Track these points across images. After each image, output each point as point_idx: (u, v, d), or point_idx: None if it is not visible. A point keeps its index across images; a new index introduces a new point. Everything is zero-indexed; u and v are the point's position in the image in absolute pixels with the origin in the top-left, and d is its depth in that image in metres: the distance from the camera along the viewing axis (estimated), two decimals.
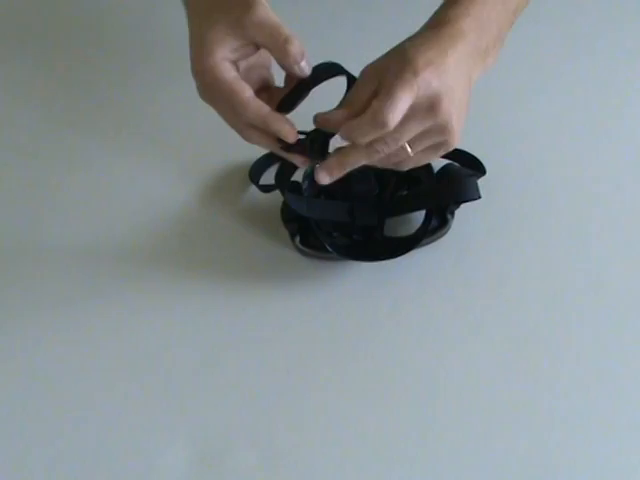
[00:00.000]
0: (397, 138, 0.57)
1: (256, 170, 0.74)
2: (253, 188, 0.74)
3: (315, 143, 0.60)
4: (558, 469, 0.60)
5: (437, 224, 0.69)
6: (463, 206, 0.70)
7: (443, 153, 0.62)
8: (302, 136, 0.60)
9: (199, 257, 0.71)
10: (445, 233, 0.70)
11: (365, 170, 0.71)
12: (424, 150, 0.60)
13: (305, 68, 0.59)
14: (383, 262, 0.68)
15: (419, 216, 0.70)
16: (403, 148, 0.58)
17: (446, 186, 0.70)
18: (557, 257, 0.71)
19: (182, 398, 0.63)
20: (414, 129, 0.57)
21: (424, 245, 0.70)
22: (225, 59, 0.58)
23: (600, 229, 0.73)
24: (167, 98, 0.81)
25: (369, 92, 0.57)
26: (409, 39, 0.60)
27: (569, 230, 0.72)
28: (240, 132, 0.61)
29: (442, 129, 0.58)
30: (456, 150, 0.73)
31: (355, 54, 0.83)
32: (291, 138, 0.58)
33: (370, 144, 0.57)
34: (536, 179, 0.76)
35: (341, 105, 0.59)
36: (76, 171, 0.78)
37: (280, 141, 0.59)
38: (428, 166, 0.71)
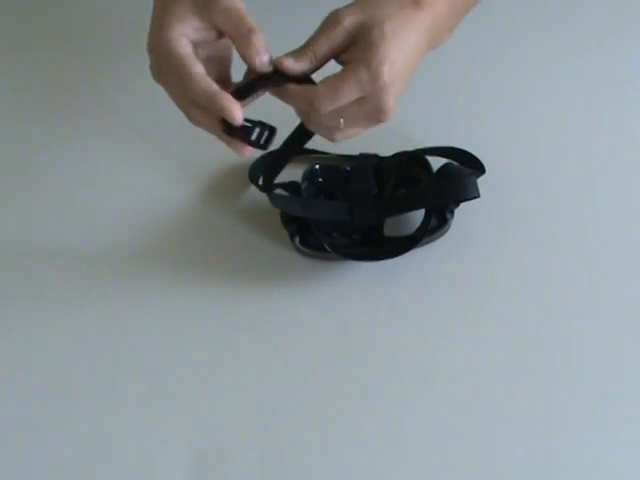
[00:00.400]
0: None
1: (256, 170, 0.74)
2: (253, 188, 0.74)
3: (263, 131, 0.58)
4: (558, 468, 0.60)
5: (437, 223, 0.69)
6: (463, 205, 0.70)
7: (374, 116, 0.60)
8: (248, 124, 0.58)
9: (199, 257, 0.71)
10: (445, 232, 0.70)
11: (364, 170, 0.71)
12: (356, 120, 0.60)
13: (265, 62, 0.57)
14: (383, 262, 0.68)
15: (419, 216, 0.70)
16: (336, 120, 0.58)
17: (445, 185, 0.70)
18: (557, 256, 0.71)
19: (182, 398, 0.63)
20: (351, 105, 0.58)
21: (424, 245, 0.69)
22: (183, 35, 0.56)
23: (600, 228, 0.73)
24: (167, 98, 0.81)
25: (335, 47, 0.57)
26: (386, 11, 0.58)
27: (569, 229, 0.72)
28: (185, 111, 0.59)
29: (378, 106, 0.58)
30: (455, 149, 0.74)
31: None
32: (237, 117, 0.55)
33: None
34: (536, 178, 0.76)
35: (305, 47, 0.58)
36: (75, 171, 0.78)
37: (224, 123, 0.57)
38: (427, 165, 0.71)
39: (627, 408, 0.63)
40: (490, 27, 0.87)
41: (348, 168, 0.72)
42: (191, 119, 0.59)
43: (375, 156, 0.73)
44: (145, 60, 0.84)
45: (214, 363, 0.65)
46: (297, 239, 0.69)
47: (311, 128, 0.62)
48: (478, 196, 0.67)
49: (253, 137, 0.58)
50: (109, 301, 0.69)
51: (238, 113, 0.56)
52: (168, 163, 0.77)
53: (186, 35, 0.56)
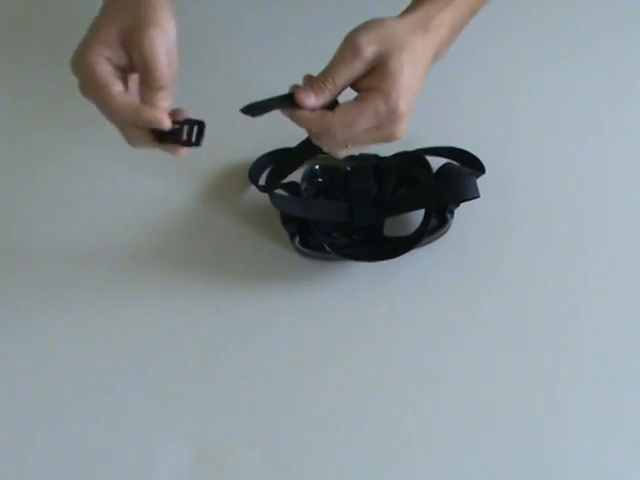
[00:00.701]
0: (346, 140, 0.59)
1: (256, 170, 0.74)
2: (253, 188, 0.74)
3: (192, 129, 0.58)
4: (557, 468, 0.60)
5: (437, 223, 0.69)
6: (463, 205, 0.70)
7: (383, 141, 0.61)
8: (176, 125, 0.58)
9: (199, 257, 0.71)
10: (445, 232, 0.70)
11: (364, 170, 0.71)
12: (366, 142, 0.61)
13: (166, 125, 0.57)
14: (383, 262, 0.68)
15: (419, 216, 0.70)
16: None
17: (445, 185, 0.70)
18: (557, 256, 0.71)
19: (182, 398, 0.63)
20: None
21: (424, 245, 0.70)
22: (104, 57, 0.56)
23: (599, 228, 0.73)
24: None
25: (355, 78, 0.58)
26: (399, 36, 0.58)
27: (568, 229, 0.72)
28: (120, 130, 0.59)
29: (392, 133, 0.59)
30: (455, 149, 0.74)
31: None
32: (165, 123, 0.56)
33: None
34: (535, 178, 0.76)
35: (326, 79, 0.58)
36: (76, 171, 0.78)
37: (154, 132, 0.57)
38: (427, 165, 0.71)
39: (627, 407, 0.63)
40: (490, 28, 0.86)
41: (348, 168, 0.72)
42: (127, 138, 0.60)
43: (375, 156, 0.73)
44: None
45: (214, 363, 0.65)
46: (297, 239, 0.69)
47: (319, 145, 0.62)
48: (478, 196, 0.67)
49: (184, 137, 0.58)
50: (109, 301, 0.69)
51: (164, 119, 0.56)
52: (168, 163, 0.77)
53: (109, 58, 0.57)
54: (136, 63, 0.56)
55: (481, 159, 0.73)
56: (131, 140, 0.59)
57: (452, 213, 0.69)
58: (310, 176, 0.71)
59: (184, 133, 0.58)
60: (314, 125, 0.59)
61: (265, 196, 0.71)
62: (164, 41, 0.56)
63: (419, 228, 0.69)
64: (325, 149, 0.62)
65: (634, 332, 0.66)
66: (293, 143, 0.75)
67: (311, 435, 0.62)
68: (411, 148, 0.73)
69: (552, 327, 0.67)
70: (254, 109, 0.58)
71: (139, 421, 0.62)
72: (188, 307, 0.68)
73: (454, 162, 0.73)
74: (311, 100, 0.58)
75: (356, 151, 0.63)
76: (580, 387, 0.63)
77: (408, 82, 0.57)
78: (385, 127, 0.58)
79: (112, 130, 0.80)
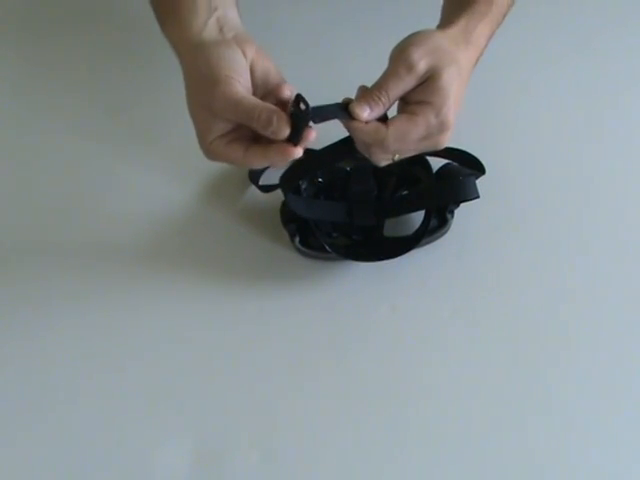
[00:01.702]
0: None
1: (256, 170, 0.74)
2: (253, 188, 0.74)
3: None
4: (557, 468, 0.60)
5: (437, 224, 0.69)
6: (463, 206, 0.70)
7: (429, 150, 0.63)
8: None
9: (199, 257, 0.71)
10: (445, 233, 0.70)
11: (364, 171, 0.71)
12: (412, 151, 0.62)
13: (277, 131, 0.57)
14: (383, 262, 0.68)
15: (419, 216, 0.70)
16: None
17: (445, 186, 0.70)
18: (557, 256, 0.71)
19: (182, 398, 0.63)
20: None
21: (424, 245, 0.70)
22: (215, 138, 0.58)
23: (600, 228, 0.73)
24: (167, 98, 0.81)
25: (407, 91, 0.59)
26: (448, 46, 0.60)
27: (569, 229, 0.72)
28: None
29: (438, 142, 0.61)
30: (455, 150, 0.74)
31: (356, 55, 0.83)
32: (297, 152, 0.57)
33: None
34: (536, 179, 0.76)
35: (380, 93, 0.59)
36: (76, 171, 0.78)
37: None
38: (427, 166, 0.71)
39: (626, 407, 0.63)
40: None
41: (348, 168, 0.72)
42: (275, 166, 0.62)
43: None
44: (146, 58, 0.85)
45: (214, 363, 0.65)
46: (297, 239, 0.69)
47: (365, 154, 0.62)
48: (478, 197, 0.68)
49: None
50: (109, 300, 0.69)
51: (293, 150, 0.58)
52: (168, 163, 0.77)
53: (219, 136, 0.58)
54: (232, 118, 0.57)
55: (481, 160, 0.73)
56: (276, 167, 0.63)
57: (452, 213, 0.69)
58: (311, 176, 0.71)
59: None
60: (369, 137, 0.59)
61: (265, 196, 0.72)
62: (235, 83, 0.57)
63: (419, 228, 0.69)
64: (371, 158, 0.62)
65: (634, 332, 0.66)
66: None
67: (311, 435, 0.62)
68: None
69: (552, 327, 0.67)
70: (315, 116, 0.58)
71: (139, 421, 0.62)
72: (188, 307, 0.68)
73: (454, 163, 0.73)
74: (366, 113, 0.58)
75: (398, 159, 0.63)
76: (580, 387, 0.63)
77: (457, 95, 0.60)
78: (433, 137, 0.60)
79: (112, 131, 0.81)
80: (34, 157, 0.79)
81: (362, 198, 0.70)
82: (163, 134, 0.79)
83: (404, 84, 0.58)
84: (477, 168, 0.73)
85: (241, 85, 0.57)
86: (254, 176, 0.74)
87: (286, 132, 0.56)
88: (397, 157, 0.62)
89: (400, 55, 0.59)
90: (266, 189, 0.73)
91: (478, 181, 0.69)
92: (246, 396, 0.63)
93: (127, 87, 0.84)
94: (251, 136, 0.58)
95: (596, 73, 0.85)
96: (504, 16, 0.68)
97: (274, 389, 0.64)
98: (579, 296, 0.69)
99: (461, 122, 0.79)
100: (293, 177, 0.69)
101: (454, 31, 0.62)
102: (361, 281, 0.69)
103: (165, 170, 0.77)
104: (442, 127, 0.59)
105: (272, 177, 0.72)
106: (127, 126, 0.80)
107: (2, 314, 0.68)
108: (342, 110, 0.59)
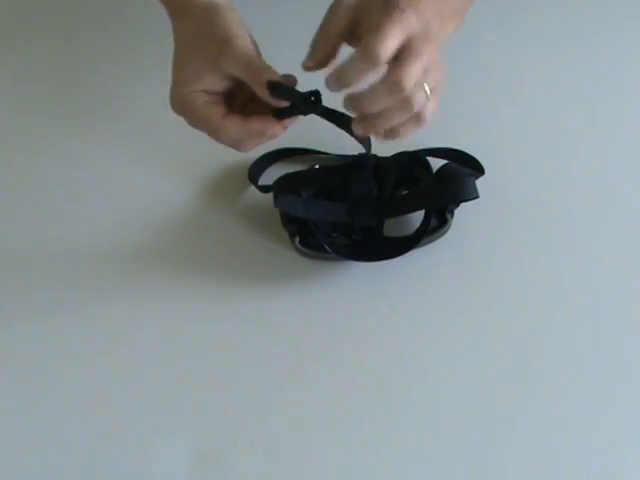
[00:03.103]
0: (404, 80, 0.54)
1: (255, 170, 0.74)
2: (252, 188, 0.74)
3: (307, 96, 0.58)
4: (556, 468, 0.60)
5: (437, 224, 0.69)
6: (462, 206, 0.70)
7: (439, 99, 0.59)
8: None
9: (198, 257, 0.71)
10: (445, 233, 0.70)
11: (364, 171, 0.71)
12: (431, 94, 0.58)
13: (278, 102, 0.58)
14: (383, 262, 0.68)
15: (419, 216, 0.70)
16: (418, 90, 0.56)
17: (444, 186, 0.70)
18: (557, 256, 0.71)
19: (182, 398, 0.63)
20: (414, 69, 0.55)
21: (424, 245, 0.69)
22: (194, 91, 0.58)
23: (599, 229, 0.73)
24: (167, 97, 0.81)
25: (342, 28, 0.58)
26: None
27: (569, 229, 0.72)
28: (234, 148, 0.62)
29: (434, 65, 0.57)
30: (455, 150, 0.74)
31: None
32: (277, 129, 0.58)
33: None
34: (535, 179, 0.76)
35: (313, 44, 0.59)
36: (75, 171, 0.78)
37: (274, 112, 0.59)
38: (427, 165, 0.71)
39: (626, 406, 0.63)
40: (489, 28, 0.87)
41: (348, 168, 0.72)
42: (243, 149, 0.62)
43: (374, 156, 0.73)
44: (146, 58, 0.85)
45: (214, 363, 0.65)
46: (297, 239, 0.69)
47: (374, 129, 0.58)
48: (477, 196, 0.68)
49: (301, 103, 0.58)
50: (108, 301, 0.69)
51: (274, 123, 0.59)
52: (168, 163, 0.77)
53: (204, 90, 0.59)
54: (235, 72, 0.57)
55: (481, 160, 0.73)
56: (246, 149, 0.62)
57: (452, 213, 0.69)
58: (310, 175, 0.71)
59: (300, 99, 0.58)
60: (389, 97, 0.55)
61: (265, 196, 0.72)
62: (248, 44, 0.58)
63: (419, 228, 0.69)
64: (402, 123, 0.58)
65: (635, 332, 0.66)
66: (293, 143, 0.75)
67: (311, 435, 0.61)
68: (410, 149, 0.73)
69: (552, 327, 0.67)
70: (320, 113, 0.59)
71: (139, 420, 0.62)
72: (188, 307, 0.68)
73: (453, 163, 0.73)
74: (310, 64, 0.58)
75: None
76: (580, 387, 0.63)
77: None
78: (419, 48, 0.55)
79: (112, 130, 0.81)
80: (32, 157, 0.79)
81: (362, 198, 0.70)
82: (162, 134, 0.79)
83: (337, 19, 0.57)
84: (476, 168, 0.73)
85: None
86: (253, 176, 0.74)
87: (283, 103, 0.57)
88: (427, 86, 0.57)
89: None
90: (265, 189, 0.73)
91: (478, 181, 0.69)
92: (246, 396, 0.63)
93: (126, 87, 0.83)
94: (228, 108, 0.59)
95: (596, 73, 0.85)
96: None
97: (274, 389, 0.64)
98: (579, 296, 0.68)
99: (461, 122, 0.80)
100: (287, 186, 0.70)
101: None
102: (361, 281, 0.69)
103: (164, 170, 0.77)
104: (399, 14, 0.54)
105: (271, 177, 0.72)
106: (126, 125, 0.80)
107: (1, 315, 0.68)
108: (345, 124, 0.59)
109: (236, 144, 0.62)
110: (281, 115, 0.60)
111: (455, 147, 0.74)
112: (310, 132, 0.73)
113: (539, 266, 0.70)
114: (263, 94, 0.58)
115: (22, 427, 0.62)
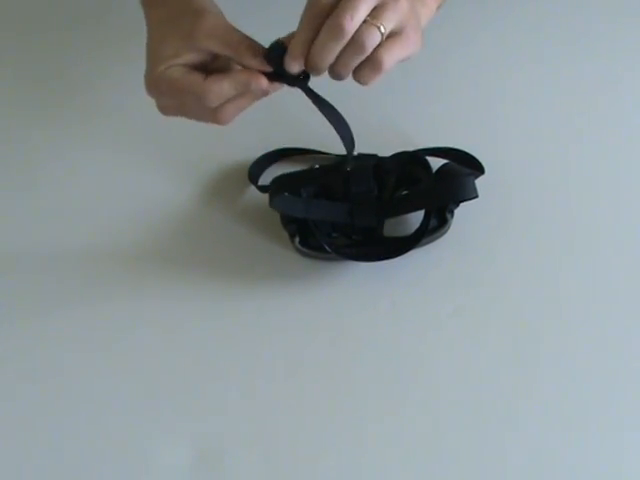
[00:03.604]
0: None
1: (255, 170, 0.75)
2: (253, 188, 0.74)
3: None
4: (556, 468, 0.60)
5: (436, 224, 0.69)
6: (462, 206, 0.70)
7: (408, 50, 0.57)
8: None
9: (198, 258, 0.71)
10: (444, 233, 0.70)
11: (364, 171, 0.71)
12: (388, 39, 0.56)
13: (264, 63, 0.57)
14: (383, 262, 0.68)
15: (419, 216, 0.70)
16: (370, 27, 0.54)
17: (444, 186, 0.70)
18: (557, 256, 0.71)
19: (182, 398, 0.63)
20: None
21: (423, 245, 0.70)
22: (176, 65, 0.57)
23: (599, 228, 0.72)
24: None
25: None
26: None
27: (568, 229, 0.72)
28: (215, 119, 0.59)
29: (389, 4, 0.55)
30: (454, 150, 0.74)
31: None
32: (262, 81, 0.56)
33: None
34: (536, 179, 0.76)
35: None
36: (74, 171, 0.78)
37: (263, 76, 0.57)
38: (427, 166, 0.71)
39: (626, 406, 0.63)
40: (488, 28, 0.87)
41: (348, 169, 0.72)
42: (224, 120, 0.59)
43: (374, 156, 0.73)
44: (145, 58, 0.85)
45: (214, 363, 0.65)
46: (297, 240, 0.69)
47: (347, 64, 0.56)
48: (476, 196, 0.68)
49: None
50: (108, 301, 0.69)
51: (259, 76, 0.56)
52: (167, 164, 0.77)
53: (180, 64, 0.57)
54: (212, 48, 0.57)
55: (481, 160, 0.73)
56: (226, 118, 0.60)
57: (452, 213, 0.69)
58: (310, 175, 0.71)
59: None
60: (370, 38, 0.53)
61: (264, 196, 0.71)
62: (221, 17, 0.58)
63: (419, 228, 0.69)
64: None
65: (635, 332, 0.66)
66: (293, 143, 0.75)
67: (311, 434, 0.62)
68: (410, 149, 0.74)
69: (552, 326, 0.67)
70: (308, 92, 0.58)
71: (139, 420, 0.62)
72: (188, 307, 0.68)
73: (453, 163, 0.73)
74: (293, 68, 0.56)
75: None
76: (580, 387, 0.63)
77: None
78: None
79: (111, 131, 0.81)
80: (32, 158, 0.79)
81: (363, 199, 0.70)
82: (162, 134, 0.79)
83: None
84: (476, 168, 0.73)
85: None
86: (253, 176, 0.74)
87: (267, 68, 0.56)
88: (382, 27, 0.55)
89: None
90: (265, 189, 0.73)
91: (478, 181, 0.69)
92: (246, 396, 0.63)
93: (126, 87, 0.83)
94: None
95: (596, 73, 0.85)
96: None
97: (274, 389, 0.64)
98: (579, 295, 0.68)
99: (460, 122, 0.80)
100: (283, 185, 0.69)
101: None
102: (361, 281, 0.69)
103: (164, 170, 0.77)
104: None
105: (272, 178, 0.72)
106: (126, 126, 0.80)
107: (1, 315, 0.68)
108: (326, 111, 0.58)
109: (218, 112, 0.59)
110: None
111: (455, 146, 0.74)
112: (310, 132, 0.73)
113: (538, 266, 0.70)
114: (248, 61, 0.56)
115: (22, 427, 0.62)
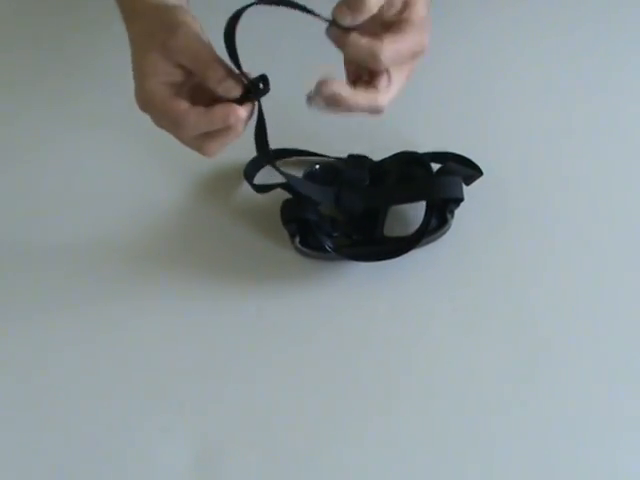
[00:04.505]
0: None
1: (251, 170, 0.74)
2: (249, 187, 0.74)
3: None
4: (556, 469, 0.60)
5: (437, 224, 0.69)
6: (462, 206, 0.70)
7: (418, 58, 0.59)
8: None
9: (197, 257, 0.71)
10: (445, 233, 0.70)
11: (361, 163, 0.72)
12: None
13: (229, 89, 0.57)
14: (383, 262, 0.68)
15: (419, 216, 0.70)
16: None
17: (431, 182, 0.70)
18: (556, 257, 0.71)
19: (182, 398, 0.63)
20: None
21: (424, 245, 0.70)
22: (160, 83, 0.57)
23: (600, 228, 0.73)
24: None
25: None
26: None
27: (568, 230, 0.72)
28: (200, 149, 0.60)
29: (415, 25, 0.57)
30: (452, 154, 0.74)
31: None
32: (240, 113, 0.56)
33: None
34: (535, 179, 0.76)
35: None
36: (70, 170, 0.78)
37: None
38: (427, 166, 0.71)
39: (626, 406, 0.63)
40: (487, 30, 0.87)
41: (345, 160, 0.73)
42: (208, 151, 0.60)
43: (370, 160, 0.73)
44: None
45: (213, 363, 0.65)
46: (297, 239, 0.69)
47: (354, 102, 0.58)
48: (462, 198, 0.68)
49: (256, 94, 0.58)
50: (106, 301, 0.69)
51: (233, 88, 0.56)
52: (165, 163, 0.77)
53: (165, 83, 0.58)
54: (184, 63, 0.57)
55: (479, 160, 0.73)
56: (212, 149, 0.60)
57: (452, 213, 0.69)
58: (310, 175, 0.72)
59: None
60: (363, 51, 0.55)
61: (264, 196, 0.71)
62: (197, 30, 0.57)
63: (419, 228, 0.69)
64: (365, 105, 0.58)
65: (635, 333, 0.66)
66: (290, 142, 0.75)
67: (311, 435, 0.61)
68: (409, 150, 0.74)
69: (553, 327, 0.67)
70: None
71: (138, 420, 0.62)
72: (187, 307, 0.68)
73: (453, 163, 0.74)
74: (347, 19, 0.54)
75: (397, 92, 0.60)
76: (580, 388, 0.63)
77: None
78: (417, 56, 0.58)
79: (107, 128, 0.81)
80: (30, 156, 0.79)
81: (353, 184, 0.70)
82: (159, 133, 0.78)
83: None
84: (474, 170, 0.73)
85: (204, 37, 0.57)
86: (250, 175, 0.74)
87: (237, 92, 0.56)
88: (393, 71, 0.58)
89: None
90: (261, 189, 0.72)
91: (477, 182, 0.69)
92: (246, 396, 0.63)
93: (122, 86, 0.83)
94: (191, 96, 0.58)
95: (595, 74, 0.85)
96: None
97: (274, 389, 0.64)
98: (579, 296, 0.68)
99: (459, 124, 0.80)
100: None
101: None
102: (361, 281, 0.69)
103: (161, 170, 0.77)
104: (421, 47, 0.57)
105: (266, 176, 0.73)
106: (122, 125, 0.79)
107: (2, 315, 0.68)
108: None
109: (201, 141, 0.59)
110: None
111: (454, 148, 0.74)
112: (305, 133, 0.73)
113: (538, 266, 0.70)
114: (213, 83, 0.56)
115: (22, 426, 0.62)
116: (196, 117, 0.57)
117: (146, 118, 0.69)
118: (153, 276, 0.70)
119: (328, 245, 0.68)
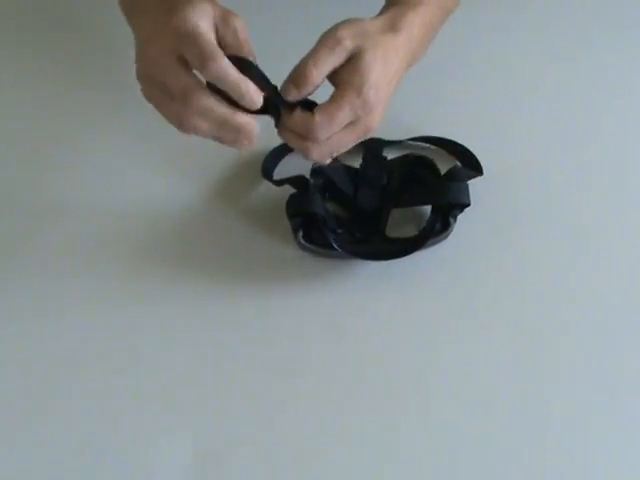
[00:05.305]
0: None
1: (270, 164, 0.74)
2: (257, 186, 0.74)
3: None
4: (556, 469, 0.60)
5: (440, 227, 0.69)
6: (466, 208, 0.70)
7: (362, 135, 0.62)
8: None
9: (201, 255, 0.71)
10: (447, 236, 0.70)
11: (378, 159, 0.73)
12: (346, 142, 0.61)
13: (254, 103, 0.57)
14: (385, 262, 0.68)
15: (422, 218, 0.71)
16: None
17: (442, 188, 0.71)
18: (558, 258, 0.71)
19: (182, 397, 0.63)
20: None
21: (426, 247, 0.69)
22: (166, 52, 0.56)
23: (600, 229, 0.73)
24: None
25: (336, 66, 0.59)
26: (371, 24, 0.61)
27: (569, 232, 0.73)
28: (187, 121, 0.58)
29: (367, 127, 0.61)
30: (456, 144, 0.75)
31: None
32: (256, 100, 0.56)
33: None
34: (536, 181, 0.76)
35: (307, 67, 0.58)
36: (80, 168, 0.77)
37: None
38: (434, 168, 0.71)
39: (626, 406, 0.63)
40: (489, 29, 0.87)
41: (357, 166, 0.72)
42: (193, 128, 0.58)
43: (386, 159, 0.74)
44: None
45: (216, 362, 0.65)
46: (300, 234, 0.69)
47: (304, 154, 0.62)
48: (468, 204, 0.69)
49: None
50: (109, 299, 0.68)
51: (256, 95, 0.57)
52: (173, 162, 0.77)
53: (170, 51, 0.56)
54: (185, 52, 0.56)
55: (484, 162, 0.74)
56: (194, 127, 0.59)
57: (455, 218, 0.70)
58: (319, 171, 0.71)
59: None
60: (298, 128, 0.59)
61: (268, 194, 0.71)
62: (205, 12, 0.56)
63: (424, 230, 0.69)
64: (308, 155, 0.61)
65: (635, 333, 0.67)
66: None
67: (312, 434, 0.62)
68: (410, 136, 0.75)
69: (553, 329, 0.67)
70: None
71: (138, 420, 0.62)
72: (190, 305, 0.68)
73: (459, 164, 0.74)
74: (293, 93, 0.58)
75: (339, 153, 0.63)
76: (581, 389, 0.64)
77: (377, 77, 0.59)
78: (361, 121, 0.60)
79: (117, 125, 0.80)
80: (33, 156, 0.78)
81: (372, 182, 0.72)
82: (168, 132, 0.78)
83: (332, 57, 0.58)
84: (475, 168, 0.74)
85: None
86: (268, 170, 0.74)
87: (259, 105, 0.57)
88: (335, 153, 0.61)
89: (328, 33, 0.59)
90: (279, 183, 0.72)
91: (480, 184, 0.69)
92: (247, 395, 0.63)
93: (133, 83, 0.83)
94: None
95: (598, 74, 0.85)
96: (445, 9, 0.69)
97: (275, 388, 0.64)
98: (580, 297, 0.69)
99: (462, 123, 0.79)
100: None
101: (381, 19, 0.63)
102: (363, 281, 0.69)
103: (168, 168, 0.76)
104: (366, 107, 0.59)
105: (284, 171, 0.73)
106: (132, 123, 0.79)
107: (1, 311, 0.68)
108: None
109: (192, 118, 0.58)
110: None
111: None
112: None
113: (540, 268, 0.70)
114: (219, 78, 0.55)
115: (21, 426, 0.62)
116: (210, 106, 0.56)
117: (158, 117, 0.68)
118: (155, 274, 0.69)
119: (333, 240, 0.67)
